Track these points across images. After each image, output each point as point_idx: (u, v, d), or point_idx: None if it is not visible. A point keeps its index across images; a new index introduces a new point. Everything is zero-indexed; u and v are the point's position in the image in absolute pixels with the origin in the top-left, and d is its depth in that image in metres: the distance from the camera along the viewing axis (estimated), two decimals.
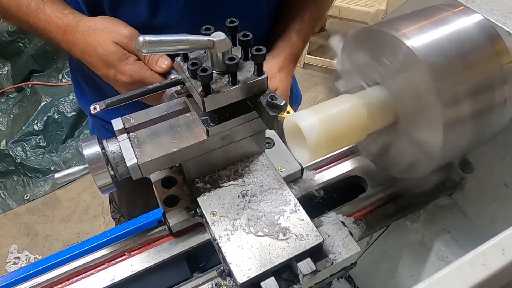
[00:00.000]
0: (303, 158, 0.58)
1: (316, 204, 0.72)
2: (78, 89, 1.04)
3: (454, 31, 0.54)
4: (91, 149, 0.55)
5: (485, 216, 0.77)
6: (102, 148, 0.56)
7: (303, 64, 3.22)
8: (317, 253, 0.56)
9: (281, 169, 0.68)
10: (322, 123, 0.56)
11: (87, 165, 0.55)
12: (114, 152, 0.56)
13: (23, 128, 2.59)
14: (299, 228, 0.56)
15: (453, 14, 0.56)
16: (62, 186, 2.45)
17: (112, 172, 0.56)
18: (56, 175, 0.57)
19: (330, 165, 0.77)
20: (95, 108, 0.56)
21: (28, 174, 2.50)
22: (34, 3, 0.77)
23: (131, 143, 0.57)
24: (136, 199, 1.20)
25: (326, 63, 3.10)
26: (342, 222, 0.61)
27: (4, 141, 2.56)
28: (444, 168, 0.76)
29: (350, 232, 0.60)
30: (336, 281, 0.83)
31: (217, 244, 0.56)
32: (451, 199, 0.81)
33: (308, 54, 3.16)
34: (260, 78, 0.55)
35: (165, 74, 0.72)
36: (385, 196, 0.72)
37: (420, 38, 0.52)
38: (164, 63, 0.71)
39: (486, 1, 0.61)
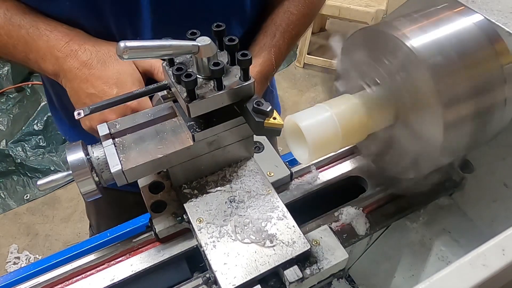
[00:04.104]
0: (303, 158, 0.58)
1: (316, 204, 0.72)
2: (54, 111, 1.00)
3: (454, 31, 0.54)
4: (75, 155, 0.53)
5: (485, 216, 0.77)
6: (87, 154, 0.54)
7: (303, 64, 3.22)
8: (304, 260, 0.56)
9: (270, 174, 0.68)
10: (322, 123, 0.56)
11: (70, 172, 0.53)
12: (98, 158, 0.54)
13: (23, 128, 2.59)
14: (286, 235, 0.56)
15: (453, 14, 0.56)
16: (62, 186, 2.45)
17: (96, 179, 0.54)
18: (39, 182, 0.55)
19: (330, 165, 0.78)
20: (79, 114, 0.54)
21: (28, 174, 2.50)
22: (32, 30, 0.71)
23: (116, 149, 0.55)
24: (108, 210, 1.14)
25: (326, 63, 3.10)
26: (330, 228, 0.61)
27: (4, 141, 2.57)
28: (444, 168, 0.76)
29: (338, 238, 0.60)
30: (336, 281, 0.83)
31: (203, 251, 0.55)
32: (451, 199, 0.81)
33: (308, 54, 3.16)
34: (246, 84, 0.54)
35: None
36: (385, 196, 0.72)
37: (420, 38, 0.52)
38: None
39: (486, 1, 0.61)
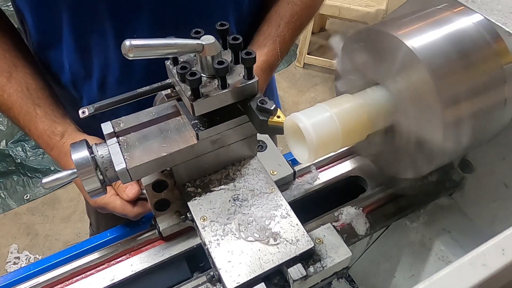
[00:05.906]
0: (303, 158, 0.58)
1: (316, 204, 0.72)
2: None
3: (454, 31, 0.54)
4: (80, 154, 0.54)
5: (485, 216, 0.77)
6: (91, 152, 0.55)
7: (303, 64, 3.22)
8: (308, 258, 0.56)
9: (273, 172, 0.68)
10: (322, 123, 0.56)
11: (75, 170, 0.54)
12: (103, 157, 0.55)
13: None
14: (290, 233, 0.56)
15: (453, 14, 0.56)
16: (62, 186, 2.45)
17: (101, 177, 0.55)
18: (44, 180, 0.55)
19: (330, 165, 0.78)
20: (83, 112, 0.54)
21: (28, 174, 2.50)
22: (28, 115, 0.76)
23: (120, 147, 0.56)
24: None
25: (326, 63, 3.10)
26: (333, 226, 0.61)
27: (4, 141, 2.56)
28: (444, 168, 0.76)
29: (341, 236, 0.60)
30: (336, 281, 0.83)
31: (207, 249, 0.56)
32: (451, 199, 0.81)
33: (308, 54, 3.16)
34: (250, 82, 0.54)
35: (133, 201, 0.71)
36: (385, 196, 0.72)
37: (420, 38, 0.52)
38: (131, 191, 0.70)
39: (486, 1, 0.61)
